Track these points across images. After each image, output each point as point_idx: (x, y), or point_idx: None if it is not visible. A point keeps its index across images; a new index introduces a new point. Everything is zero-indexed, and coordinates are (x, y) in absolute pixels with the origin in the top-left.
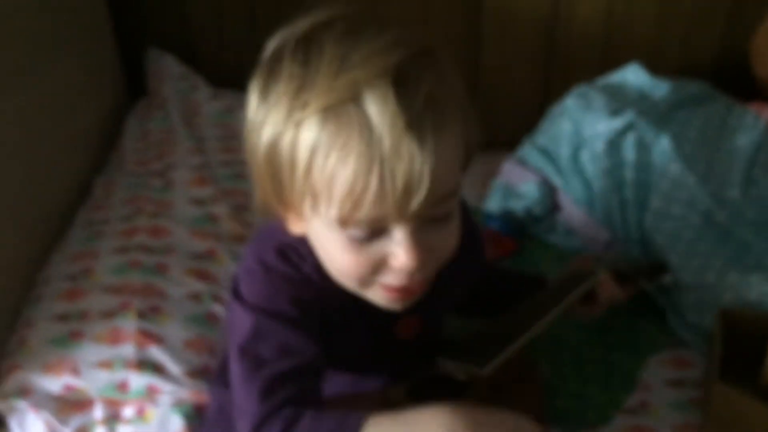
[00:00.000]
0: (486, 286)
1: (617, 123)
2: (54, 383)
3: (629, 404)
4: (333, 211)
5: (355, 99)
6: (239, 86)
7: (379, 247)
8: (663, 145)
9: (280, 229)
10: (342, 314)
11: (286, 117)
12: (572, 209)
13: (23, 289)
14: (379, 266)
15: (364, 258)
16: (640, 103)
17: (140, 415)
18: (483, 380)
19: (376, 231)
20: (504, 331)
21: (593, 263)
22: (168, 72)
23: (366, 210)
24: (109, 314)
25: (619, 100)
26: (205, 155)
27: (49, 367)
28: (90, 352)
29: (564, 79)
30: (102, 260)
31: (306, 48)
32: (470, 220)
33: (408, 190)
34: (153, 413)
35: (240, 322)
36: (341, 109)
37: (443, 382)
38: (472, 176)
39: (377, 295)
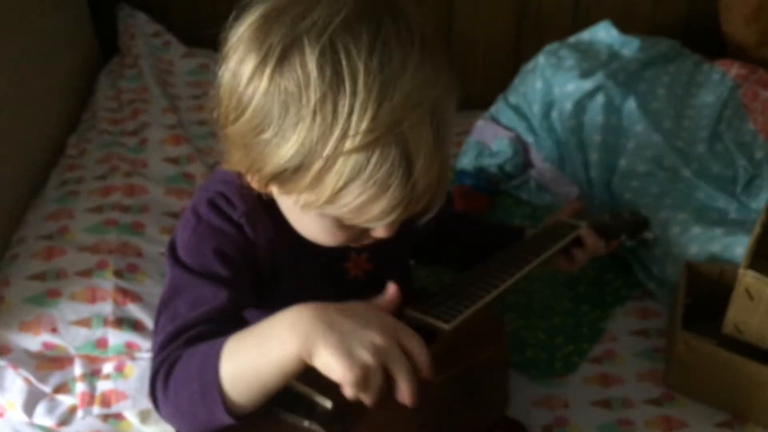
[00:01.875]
0: (464, 236)
1: (587, 84)
2: (32, 341)
3: (596, 353)
4: (338, 214)
5: (397, 137)
6: (212, 45)
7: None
8: (630, 107)
9: (217, 178)
10: (283, 256)
11: (320, 140)
12: (543, 166)
13: None
14: (357, 238)
15: (344, 234)
16: (610, 62)
17: (120, 370)
18: (448, 332)
19: None
20: (477, 284)
21: (579, 212)
22: (140, 29)
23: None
24: (86, 273)
25: (589, 58)
26: (178, 114)
27: (27, 326)
28: (68, 310)
29: (536, 37)
30: (77, 219)
31: (332, 56)
32: None
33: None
34: (132, 368)
35: (167, 277)
36: (385, 148)
37: None
38: None
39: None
